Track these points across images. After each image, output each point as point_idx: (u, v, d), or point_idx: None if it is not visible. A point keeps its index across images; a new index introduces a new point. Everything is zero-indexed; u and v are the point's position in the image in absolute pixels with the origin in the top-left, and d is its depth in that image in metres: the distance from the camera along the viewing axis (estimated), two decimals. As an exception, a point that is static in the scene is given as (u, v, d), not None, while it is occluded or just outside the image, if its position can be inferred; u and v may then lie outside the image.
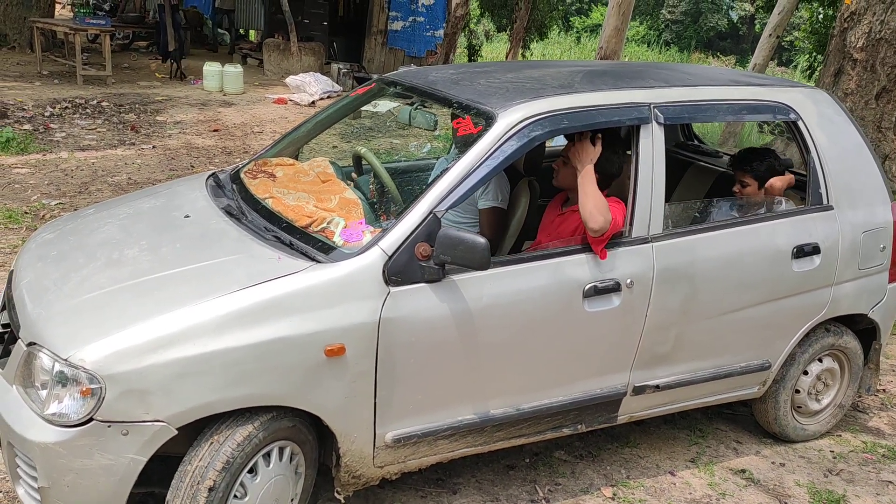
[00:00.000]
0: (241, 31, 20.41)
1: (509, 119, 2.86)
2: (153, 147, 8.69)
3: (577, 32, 47.22)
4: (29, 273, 2.79)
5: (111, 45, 13.69)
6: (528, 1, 21.74)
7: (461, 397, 2.83)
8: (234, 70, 11.74)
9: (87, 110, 10.07)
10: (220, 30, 18.91)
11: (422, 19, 15.84)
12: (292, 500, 2.71)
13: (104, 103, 10.49)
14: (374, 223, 2.91)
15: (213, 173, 3.54)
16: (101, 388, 2.26)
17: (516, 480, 3.31)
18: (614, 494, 3.27)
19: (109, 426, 2.28)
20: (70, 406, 2.29)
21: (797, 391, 3.74)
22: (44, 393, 2.35)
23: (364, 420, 2.64)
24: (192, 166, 8.09)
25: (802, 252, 3.43)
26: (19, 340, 2.50)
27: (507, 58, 22.97)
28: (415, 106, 3.69)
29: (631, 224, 3.06)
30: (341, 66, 12.87)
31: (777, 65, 39.24)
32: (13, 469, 2.46)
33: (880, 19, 8.70)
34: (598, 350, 3.06)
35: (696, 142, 4.75)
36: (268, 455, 2.55)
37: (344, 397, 2.57)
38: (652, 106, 3.14)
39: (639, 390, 3.20)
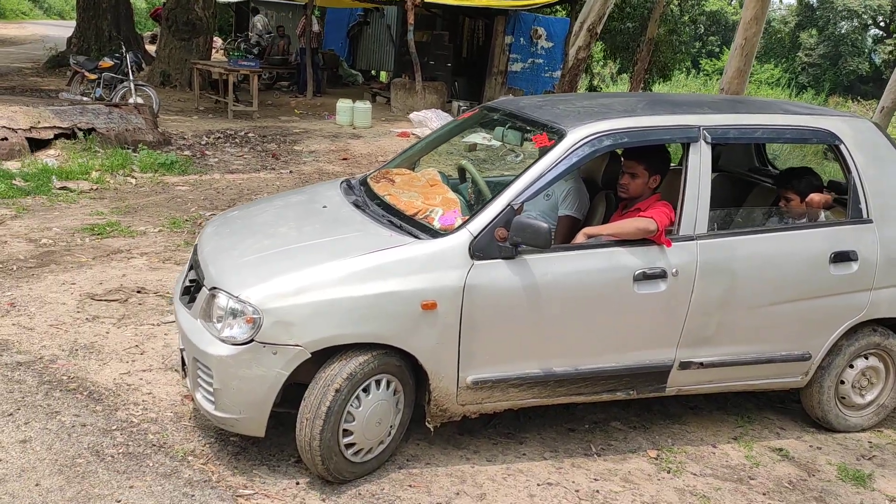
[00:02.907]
0: (374, 72, 21.97)
1: (577, 135, 3.57)
2: (290, 172, 9.84)
3: (707, 74, 46.92)
4: (210, 244, 3.76)
5: (258, 84, 15.29)
6: (650, 44, 22.21)
7: (528, 353, 3.51)
8: (364, 106, 12.89)
9: (236, 140, 11.42)
10: (353, 70, 20.43)
11: (541, 61, 16.68)
12: (391, 427, 3.44)
13: (250, 134, 11.83)
14: (466, 214, 3.65)
15: (346, 179, 4.43)
16: (259, 318, 3.11)
17: (574, 439, 3.92)
18: (658, 456, 3.82)
19: (264, 346, 3.12)
20: (238, 330, 3.16)
21: (842, 382, 4.16)
22: (220, 323, 3.23)
23: (450, 363, 3.37)
24: (324, 188, 9.14)
25: (840, 258, 3.91)
26: (203, 288, 3.41)
27: (626, 99, 23.45)
28: (507, 125, 4.45)
29: (679, 224, 3.67)
30: (461, 104, 13.82)
31: (923, 109, 37.63)
32: (194, 380, 3.34)
33: None
34: (646, 326, 3.67)
35: (768, 167, 5.25)
36: (378, 382, 3.31)
37: (435, 343, 3.31)
38: (701, 128, 3.77)
39: (685, 365, 3.77)
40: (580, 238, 3.67)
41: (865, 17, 47.89)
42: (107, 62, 11.90)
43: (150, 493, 3.11)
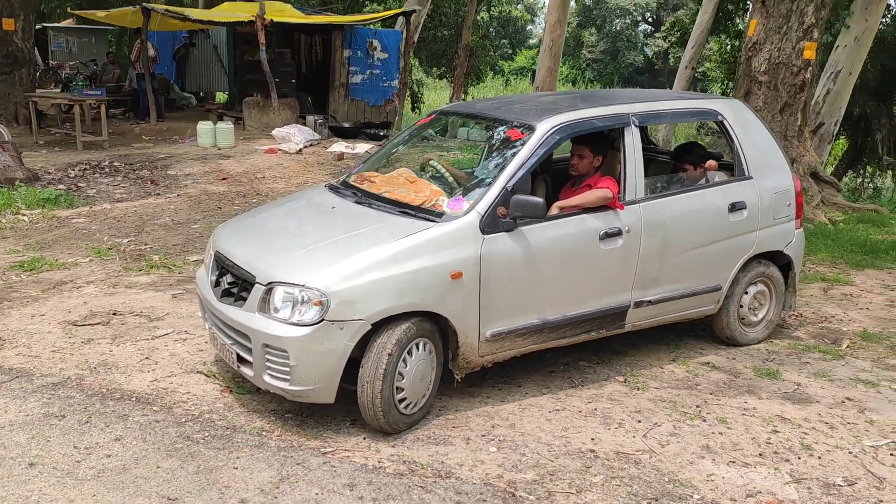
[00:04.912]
0: (202, 93, 21.79)
1: (544, 127, 4.42)
2: (177, 195, 10.00)
3: (505, 75, 49.83)
4: (240, 248, 4.27)
5: (90, 112, 14.90)
6: (466, 49, 23.73)
7: (529, 307, 4.30)
8: (226, 127, 13.09)
9: (105, 170, 11.30)
10: (185, 93, 20.22)
11: (378, 72, 17.49)
12: (430, 382, 4.11)
13: (115, 163, 11.72)
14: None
15: (329, 184, 5.01)
16: (327, 300, 3.69)
17: (558, 378, 4.77)
18: (626, 379, 4.76)
19: (333, 324, 3.70)
20: (308, 314, 3.72)
21: (741, 306, 5.31)
22: (283, 311, 3.77)
23: (473, 321, 4.10)
24: (220, 207, 9.44)
25: (734, 208, 5.05)
26: (256, 285, 3.90)
27: (450, 101, 24.86)
28: (470, 126, 5.23)
29: (624, 192, 4.62)
30: (317, 118, 14.35)
31: (693, 94, 42.17)
32: (262, 364, 3.82)
33: (777, 47, 10.70)
34: (610, 275, 4.58)
35: (652, 145, 6.40)
36: (417, 345, 3.98)
37: (462, 306, 4.02)
38: (630, 115, 4.74)
39: (638, 304, 4.73)
40: (554, 210, 4.52)
41: (636, 14, 52.96)
42: (-53, 101, 11.31)
43: (256, 458, 3.61)
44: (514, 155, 4.34)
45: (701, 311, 5.16)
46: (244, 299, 3.99)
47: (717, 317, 5.29)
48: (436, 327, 4.06)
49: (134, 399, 4.20)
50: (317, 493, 3.35)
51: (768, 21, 10.81)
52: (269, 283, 3.85)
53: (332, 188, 4.91)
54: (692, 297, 5.00)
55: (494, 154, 4.73)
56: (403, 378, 3.92)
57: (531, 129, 4.43)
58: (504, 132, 4.60)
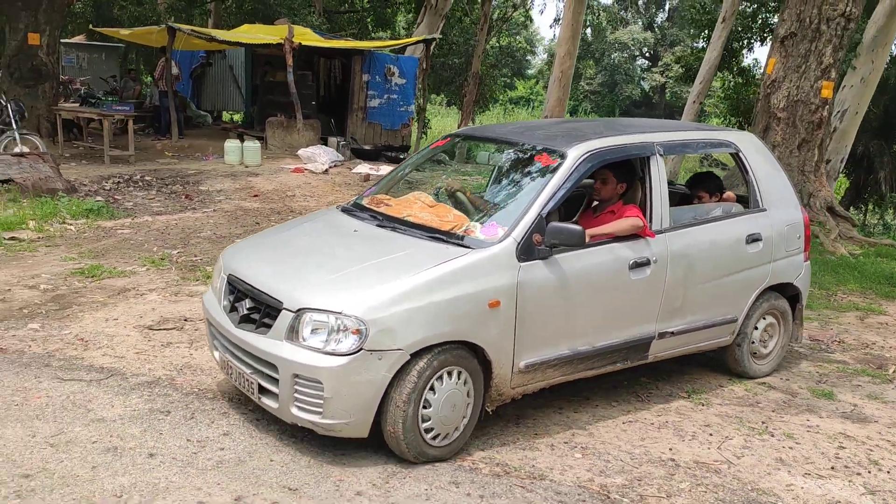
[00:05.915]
0: (215, 112, 22.06)
1: (575, 154, 4.36)
2: (214, 210, 10.20)
3: (504, 104, 50.45)
4: (259, 272, 4.09)
5: (111, 128, 15.11)
6: (476, 77, 24.18)
7: (561, 337, 4.21)
8: (253, 145, 13.31)
9: (139, 184, 11.50)
10: (201, 112, 20.48)
11: (395, 97, 17.83)
12: (464, 417, 3.92)
13: (146, 178, 11.92)
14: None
15: (341, 206, 4.97)
16: (366, 329, 3.53)
17: (623, 393, 4.98)
18: (689, 395, 4.98)
19: (371, 353, 3.53)
20: (345, 342, 3.55)
21: (752, 342, 5.31)
22: (313, 339, 3.60)
23: (508, 352, 3.99)
24: (258, 223, 9.64)
25: (751, 239, 5.07)
26: (283, 311, 3.71)
27: (458, 128, 25.24)
28: (493, 150, 5.28)
29: (651, 221, 4.59)
30: (339, 139, 14.62)
31: (691, 128, 42.93)
32: (290, 395, 3.63)
33: (796, 85, 11.07)
34: (637, 305, 4.53)
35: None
36: (450, 373, 3.83)
37: (498, 335, 3.89)
38: (655, 144, 4.76)
39: (662, 335, 4.67)
40: (586, 238, 4.38)
41: (633, 48, 53.86)
42: (-14, 111, 11.53)
43: (360, 456, 3.81)
44: (547, 181, 4.27)
45: (716, 343, 5.14)
46: (268, 326, 3.81)
47: (730, 349, 5.27)
48: (472, 358, 3.91)
49: (227, 399, 4.38)
50: (426, 489, 3.55)
51: (787, 60, 11.18)
52: (299, 309, 3.68)
53: (346, 210, 4.84)
54: (710, 328, 4.99)
55: (520, 179, 4.62)
56: (430, 406, 3.79)
57: (562, 155, 4.38)
58: (533, 157, 4.57)
